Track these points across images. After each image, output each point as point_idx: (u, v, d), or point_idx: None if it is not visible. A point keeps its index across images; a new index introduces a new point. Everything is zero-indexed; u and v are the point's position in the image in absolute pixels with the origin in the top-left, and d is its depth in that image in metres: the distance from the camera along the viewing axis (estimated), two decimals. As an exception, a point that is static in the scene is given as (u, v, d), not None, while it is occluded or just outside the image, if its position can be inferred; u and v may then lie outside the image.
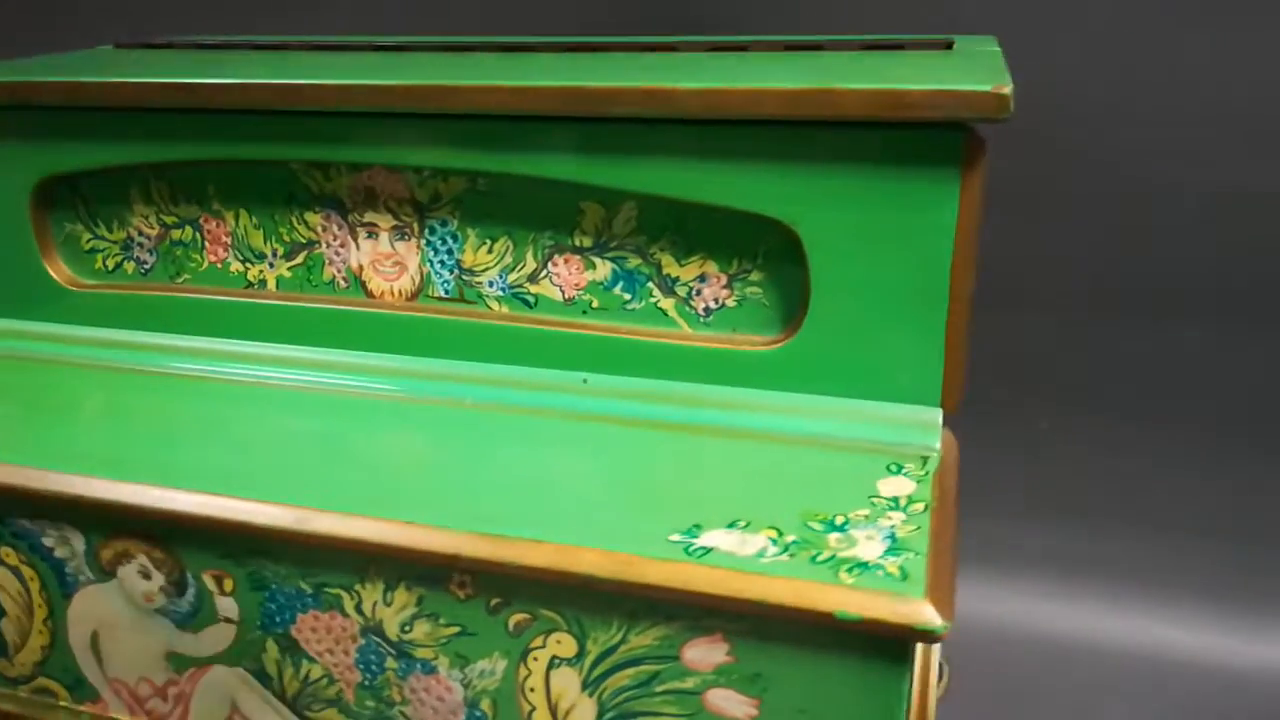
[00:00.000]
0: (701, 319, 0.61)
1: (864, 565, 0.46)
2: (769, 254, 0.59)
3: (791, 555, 0.47)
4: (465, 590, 0.51)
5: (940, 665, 0.92)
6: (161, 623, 0.59)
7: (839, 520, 0.50)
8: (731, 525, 0.49)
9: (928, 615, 0.43)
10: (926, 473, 0.54)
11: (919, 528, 0.49)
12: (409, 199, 0.63)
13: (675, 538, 0.49)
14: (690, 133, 0.55)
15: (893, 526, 0.49)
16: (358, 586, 0.53)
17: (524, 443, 0.59)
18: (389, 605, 0.53)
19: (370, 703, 0.56)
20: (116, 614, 0.59)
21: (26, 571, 0.60)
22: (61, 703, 0.63)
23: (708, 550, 0.48)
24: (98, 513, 0.57)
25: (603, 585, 0.47)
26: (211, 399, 0.65)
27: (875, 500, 0.51)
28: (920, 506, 0.50)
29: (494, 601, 0.51)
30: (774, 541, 0.48)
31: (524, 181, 0.60)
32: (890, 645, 0.45)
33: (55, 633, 0.62)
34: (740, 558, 0.47)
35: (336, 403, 0.64)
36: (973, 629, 1.36)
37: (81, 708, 0.63)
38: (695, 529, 0.49)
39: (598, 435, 0.59)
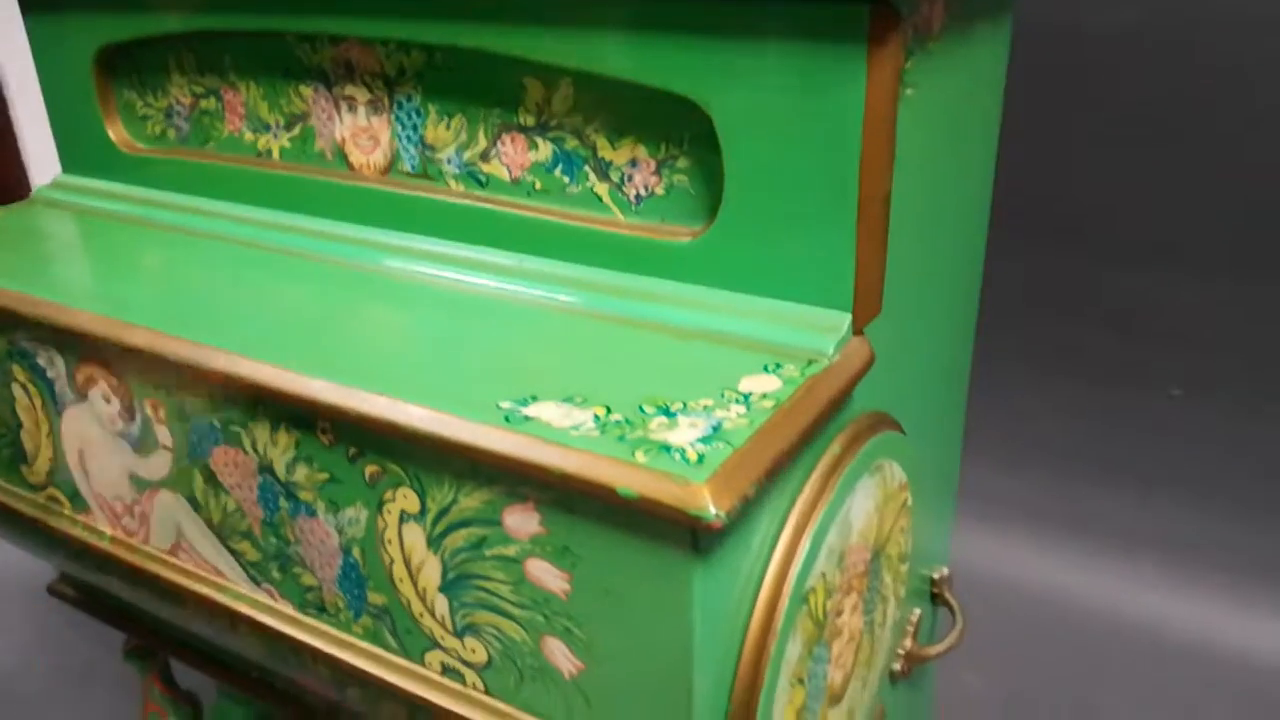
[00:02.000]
0: (633, 206, 0.60)
1: (666, 448, 0.44)
2: (694, 140, 0.56)
3: (603, 431, 0.46)
4: (328, 437, 0.53)
5: (951, 606, 0.87)
6: (122, 445, 0.65)
7: (674, 407, 0.48)
8: (567, 400, 0.49)
9: (701, 500, 0.41)
10: (801, 375, 0.50)
11: (751, 423, 0.46)
12: (380, 73, 0.65)
13: (506, 405, 0.48)
14: (607, 3, 0.54)
15: (724, 419, 0.46)
16: (251, 424, 0.57)
17: (431, 312, 0.60)
18: (276, 446, 0.56)
19: (273, 539, 0.60)
20: (92, 435, 0.66)
21: (31, 389, 0.68)
22: (65, 512, 0.72)
23: (527, 419, 0.47)
24: (69, 338, 0.63)
25: (426, 441, 0.48)
26: (206, 255, 0.71)
27: (728, 393, 0.49)
28: (769, 404, 0.48)
29: (351, 451, 0.53)
30: (597, 419, 0.47)
31: (473, 57, 0.61)
32: (675, 531, 0.43)
33: (56, 447, 0.69)
34: (553, 428, 0.46)
35: (305, 267, 0.68)
36: (1002, 583, 1.29)
37: (79, 518, 0.71)
38: (529, 399, 0.49)
39: (505, 313, 0.59)
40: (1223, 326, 1.19)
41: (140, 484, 0.65)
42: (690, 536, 0.43)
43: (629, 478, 0.43)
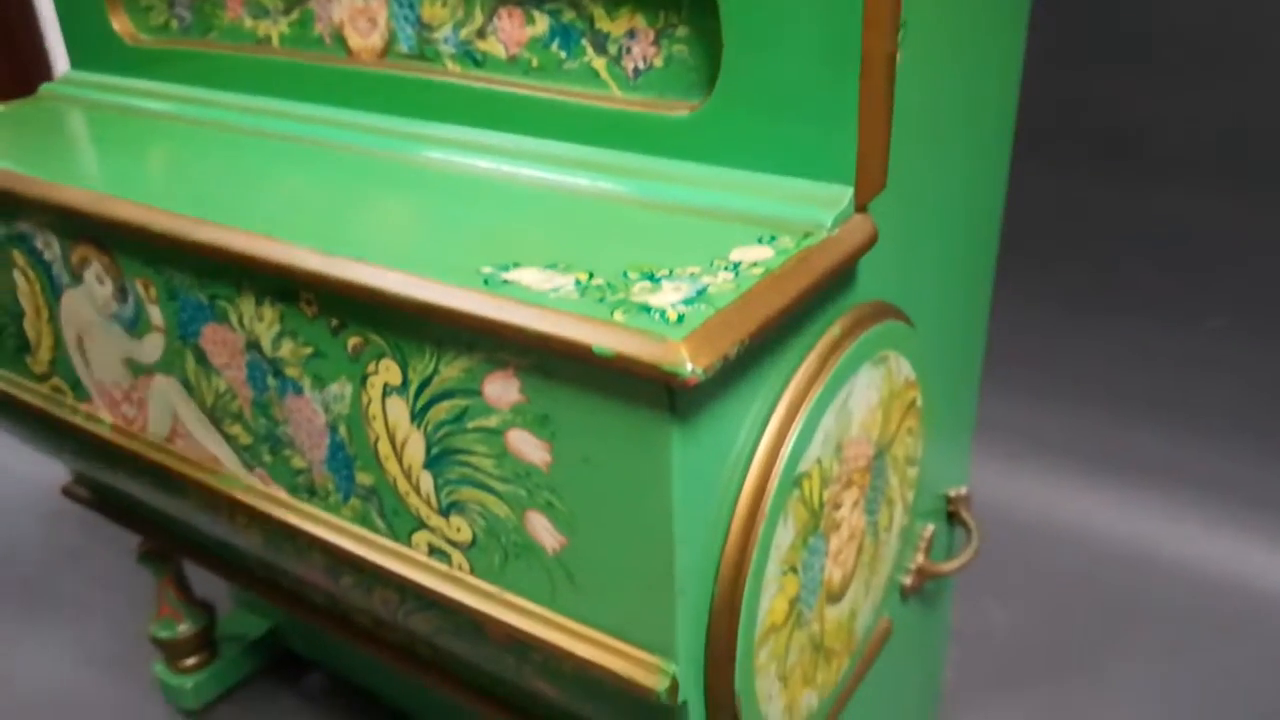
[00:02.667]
0: (631, 81, 0.57)
1: (646, 309, 0.42)
2: (693, 5, 0.53)
3: (583, 294, 0.44)
4: (311, 309, 0.52)
5: (968, 525, 0.84)
6: (116, 329, 0.64)
7: (660, 273, 0.46)
8: (549, 266, 0.47)
9: (677, 357, 0.39)
10: (796, 246, 0.48)
11: (738, 288, 0.44)
12: (376, -51, 0.63)
13: (486, 270, 0.47)
14: None
15: (710, 284, 0.44)
16: (237, 299, 0.56)
17: (424, 193, 0.58)
18: (261, 321, 0.55)
19: (262, 420, 0.59)
20: (88, 319, 0.66)
21: (30, 274, 0.68)
22: (68, 401, 0.72)
23: (506, 283, 0.45)
24: (63, 217, 0.62)
25: (405, 306, 0.47)
26: (205, 143, 0.70)
27: (717, 262, 0.47)
28: (759, 271, 0.45)
29: (334, 322, 0.52)
30: (578, 283, 0.45)
31: (468, -74, 0.58)
32: (652, 392, 0.41)
33: (56, 334, 0.69)
34: (531, 291, 0.45)
35: (302, 153, 0.66)
36: (1031, 519, 1.26)
37: (80, 407, 0.71)
38: (510, 266, 0.47)
39: (499, 193, 0.57)
40: (1268, 255, 1.14)
41: (136, 368, 0.65)
42: (667, 396, 0.41)
43: (605, 336, 0.41)
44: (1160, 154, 1.15)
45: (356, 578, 0.62)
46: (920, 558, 0.78)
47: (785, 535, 0.51)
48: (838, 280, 0.51)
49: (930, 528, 0.79)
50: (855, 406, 0.55)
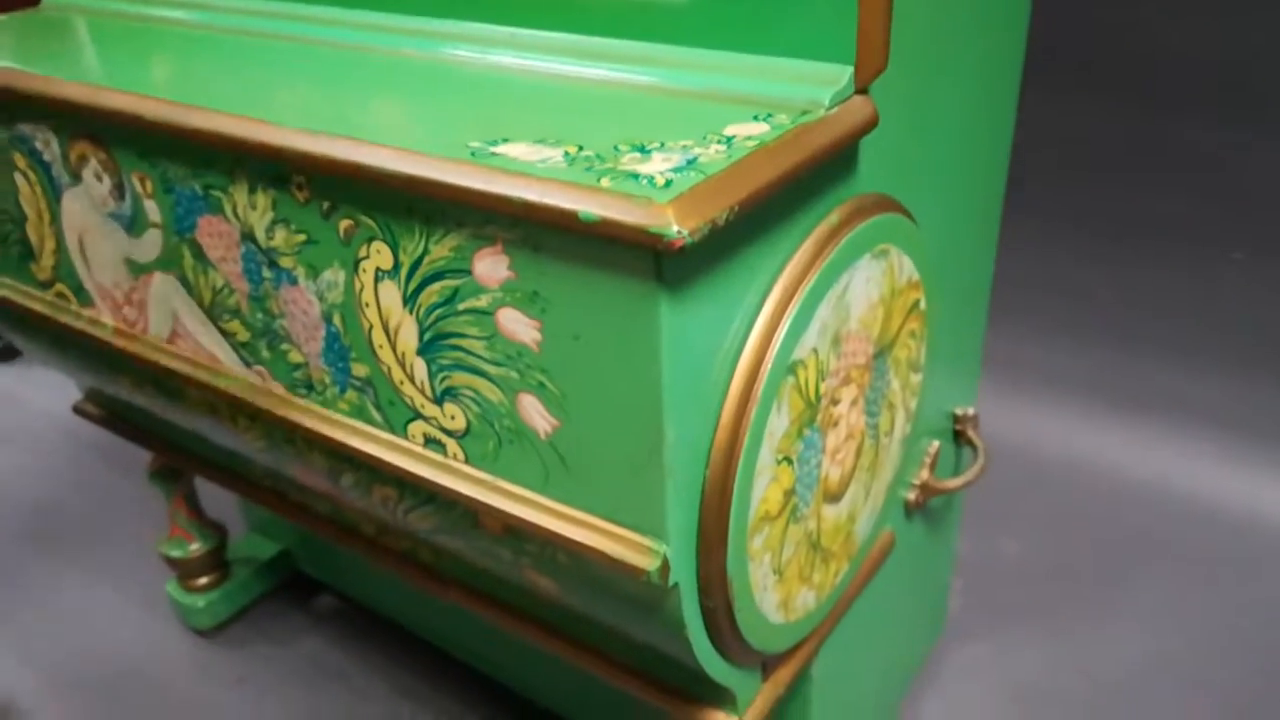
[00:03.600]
0: (629, -32, 0.56)
1: (635, 176, 0.42)
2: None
3: (571, 165, 0.43)
4: (303, 193, 0.52)
5: (976, 449, 0.84)
6: (115, 227, 0.64)
7: (651, 145, 0.45)
8: (538, 141, 0.46)
9: (664, 219, 0.39)
10: (792, 123, 0.47)
11: (730, 158, 0.43)
12: None
13: (475, 144, 0.46)
14: None
15: (701, 154, 0.44)
16: (231, 188, 0.55)
17: (418, 82, 0.58)
18: (255, 210, 0.55)
19: (259, 315, 0.59)
20: (88, 219, 0.66)
21: (31, 176, 0.68)
22: (71, 307, 0.72)
23: (493, 156, 0.45)
24: (60, 113, 0.62)
25: (393, 181, 0.46)
26: (202, 44, 0.69)
27: (710, 136, 0.46)
28: (752, 144, 0.45)
29: (325, 205, 0.51)
30: (566, 155, 0.44)
31: None
32: (639, 259, 0.41)
33: (58, 237, 0.69)
34: (518, 162, 0.44)
35: (294, 50, 0.66)
36: (1046, 454, 1.26)
37: (84, 312, 0.71)
38: (500, 141, 0.46)
39: (492, 81, 0.57)
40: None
41: (135, 268, 0.65)
42: (654, 263, 0.41)
43: (591, 202, 0.40)
44: (1179, 84, 1.12)
45: (355, 475, 0.62)
46: (925, 473, 0.78)
47: (779, 423, 0.51)
48: (835, 163, 0.50)
49: (936, 444, 0.79)
50: (854, 300, 0.54)
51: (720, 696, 0.59)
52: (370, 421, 0.57)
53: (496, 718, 0.94)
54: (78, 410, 0.94)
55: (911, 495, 0.77)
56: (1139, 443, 1.24)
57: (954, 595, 1.03)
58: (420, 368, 0.52)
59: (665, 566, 0.48)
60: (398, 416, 0.55)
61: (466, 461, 0.53)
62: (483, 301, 0.47)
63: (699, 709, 0.60)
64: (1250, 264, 1.16)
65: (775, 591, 0.56)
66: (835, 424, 0.57)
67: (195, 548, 1.00)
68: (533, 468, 0.50)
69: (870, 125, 0.50)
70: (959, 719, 0.93)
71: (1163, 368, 1.25)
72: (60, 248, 0.70)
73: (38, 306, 0.74)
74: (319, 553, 1.05)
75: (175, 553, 1.00)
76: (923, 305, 0.64)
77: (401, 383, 0.54)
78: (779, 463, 0.52)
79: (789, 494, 0.54)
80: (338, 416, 0.58)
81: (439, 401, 0.53)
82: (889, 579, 0.77)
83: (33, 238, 0.71)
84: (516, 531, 0.54)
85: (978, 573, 1.08)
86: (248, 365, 0.62)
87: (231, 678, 1.00)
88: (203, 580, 1.02)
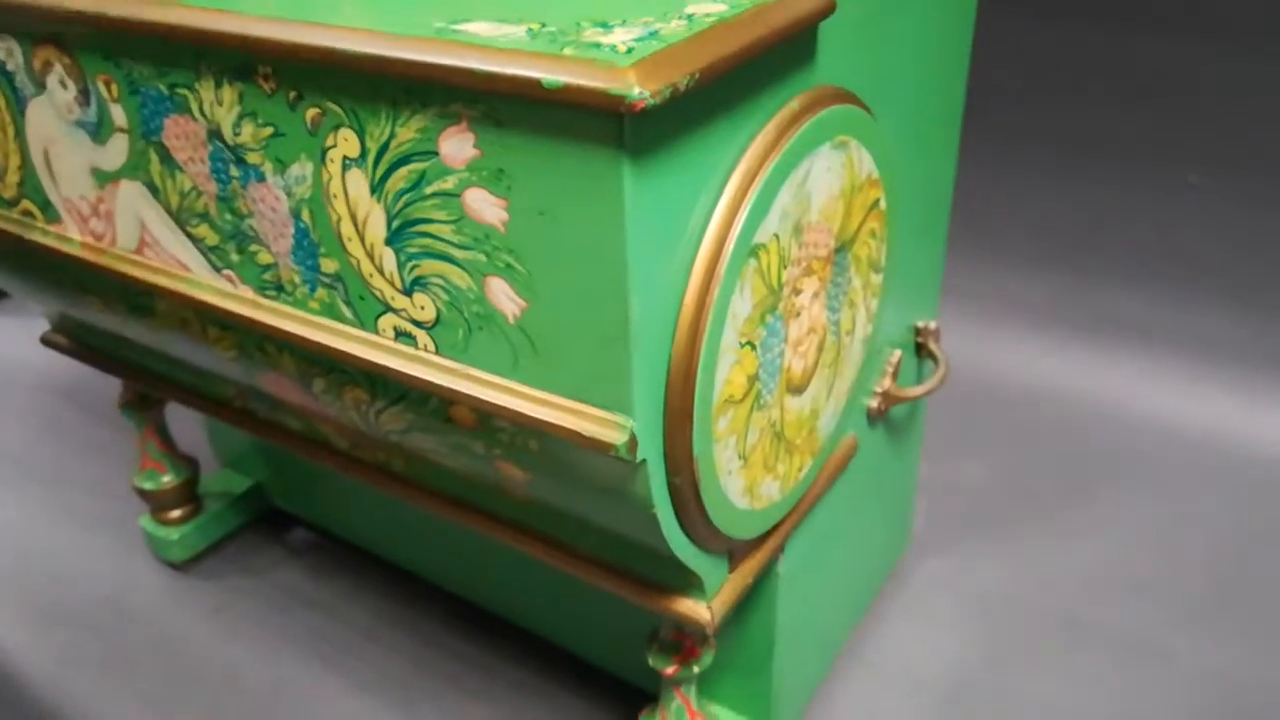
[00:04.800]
0: None
1: (597, 46, 0.43)
2: None
3: (533, 39, 0.44)
4: (269, 84, 0.52)
5: (936, 357, 0.86)
6: (81, 136, 0.64)
7: (613, 21, 0.46)
8: (500, 20, 0.47)
9: (625, 81, 0.40)
10: (751, 3, 0.48)
11: (691, 30, 0.44)
12: None
13: (438, 24, 0.47)
14: None
15: (661, 28, 0.45)
16: (197, 85, 0.56)
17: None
18: (221, 105, 0.55)
19: (228, 216, 0.59)
20: (54, 129, 0.66)
21: (-7, 88, 0.68)
22: (38, 224, 0.72)
23: (456, 33, 0.46)
24: (21, 19, 0.62)
25: (357, 63, 0.47)
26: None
27: (671, 13, 0.47)
28: (712, 19, 0.46)
29: (292, 95, 0.52)
30: (529, 30, 0.45)
31: None
32: (602, 126, 0.42)
33: (24, 151, 0.69)
34: (481, 38, 0.45)
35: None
36: (1008, 381, 1.29)
37: (50, 228, 0.71)
38: (462, 19, 0.47)
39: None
40: (1248, 108, 1.14)
41: (101, 177, 0.65)
42: (617, 129, 0.42)
43: (554, 69, 0.41)
44: (1136, 3, 1.14)
45: (327, 379, 0.63)
46: (887, 381, 0.80)
47: (742, 306, 0.52)
48: (795, 46, 0.52)
49: (898, 353, 0.80)
50: (815, 189, 0.56)
51: (689, 585, 0.61)
52: (341, 319, 0.58)
53: (472, 637, 0.96)
54: (45, 342, 0.94)
55: (874, 403, 0.79)
56: (1096, 365, 1.28)
57: (919, 515, 1.05)
58: (389, 258, 0.53)
59: (633, 441, 0.49)
60: (368, 311, 0.56)
61: (437, 352, 0.54)
62: (449, 183, 0.48)
63: (669, 598, 0.62)
64: (1206, 187, 1.19)
65: (740, 476, 0.58)
66: (797, 315, 0.58)
67: (167, 480, 1.01)
68: (502, 353, 0.52)
69: (828, 10, 0.51)
70: (925, 625, 0.95)
71: (1120, 291, 1.28)
72: (25, 163, 0.69)
73: (3, 225, 0.74)
74: (292, 486, 1.05)
75: (148, 485, 1.00)
76: (882, 205, 0.65)
77: (371, 275, 0.54)
78: (742, 346, 0.53)
79: (752, 379, 0.55)
80: (308, 316, 0.59)
81: (408, 292, 0.53)
82: (853, 484, 0.79)
83: (-4, 154, 0.71)
84: (488, 420, 0.55)
85: (941, 494, 1.11)
86: (217, 271, 0.63)
87: (207, 608, 1.01)
88: (175, 513, 1.03)
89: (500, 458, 0.58)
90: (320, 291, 0.58)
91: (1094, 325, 1.29)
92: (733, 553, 0.63)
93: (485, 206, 0.48)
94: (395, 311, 0.55)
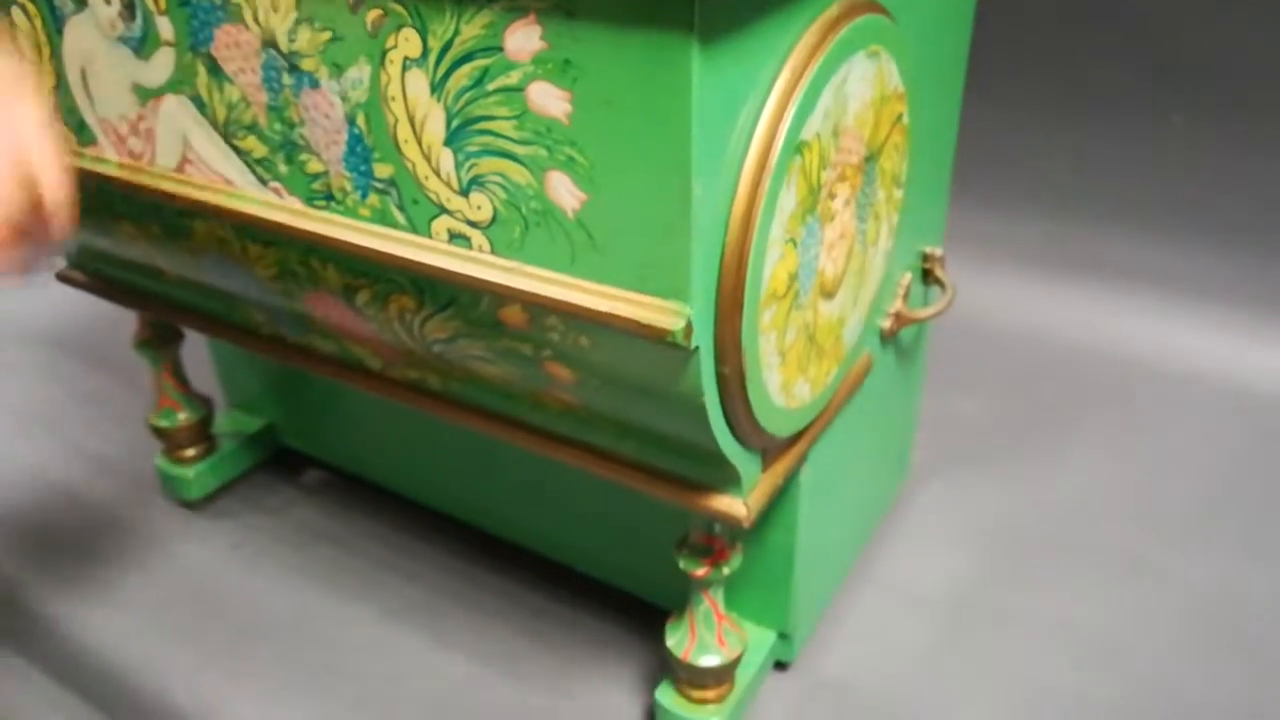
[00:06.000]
0: None
1: (666, -65, 0.45)
2: None
3: (603, -69, 0.46)
4: (330, -14, 0.54)
5: (943, 283, 0.89)
6: (123, 52, 0.65)
7: (674, -82, 0.48)
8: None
9: (700, -37, 0.42)
10: (801, -96, 0.50)
11: (750, -76, 0.46)
12: None
13: (505, -78, 0.49)
14: None
15: (723, -78, 0.47)
16: (252, -8, 0.57)
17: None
18: (276, 12, 0.57)
19: (278, 126, 0.61)
20: (94, 47, 0.66)
21: (30, 8, 0.68)
22: (72, 147, 0.73)
23: (527, -73, 0.47)
24: (64, -66, 0.63)
25: (427, -41, 0.49)
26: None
27: (727, -86, 0.49)
28: (768, -84, 0.48)
29: (353, -2, 0.53)
30: (596, -74, 0.47)
31: None
32: (673, 12, 0.44)
33: (59, 73, 0.70)
34: (553, -69, 0.47)
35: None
36: (998, 324, 1.33)
37: (86, 150, 0.72)
38: (529, -82, 0.49)
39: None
40: (1230, 48, 1.18)
41: (144, 94, 0.66)
42: (688, 13, 0.44)
43: (629, -46, 0.43)
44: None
45: (373, 289, 0.65)
46: (899, 303, 0.83)
47: (788, 201, 0.54)
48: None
49: (908, 275, 0.84)
50: (851, 94, 0.58)
51: (726, 482, 0.64)
52: (393, 224, 0.59)
53: (488, 564, 0.98)
54: (61, 278, 0.94)
55: (887, 323, 0.82)
56: (1082, 305, 1.32)
57: (917, 448, 1.09)
58: (447, 158, 0.55)
59: (689, 327, 0.51)
60: (421, 215, 0.58)
61: (492, 252, 0.56)
62: (513, 78, 0.50)
63: (706, 496, 0.65)
64: (1190, 128, 1.23)
65: (779, 372, 0.60)
66: (832, 219, 0.61)
67: (183, 418, 1.02)
68: (559, 249, 0.54)
69: (868, -83, 0.54)
70: (927, 547, 0.99)
71: (1105, 233, 1.32)
72: (60, 84, 0.70)
73: (34, 150, 0.74)
74: (305, 425, 1.07)
75: (164, 423, 1.01)
76: (905, 119, 0.68)
77: (426, 178, 0.56)
78: (786, 242, 0.56)
79: (793, 277, 0.58)
80: (358, 224, 0.61)
81: (465, 192, 0.55)
82: (866, 403, 0.82)
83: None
84: (540, 319, 0.57)
85: (937, 428, 1.14)
86: (263, 184, 0.64)
87: (225, 544, 1.02)
88: (190, 451, 1.04)
89: (549, 358, 0.60)
90: (372, 198, 0.59)
91: (1076, 266, 1.33)
92: (765, 451, 0.66)
93: (549, 99, 0.50)
94: (450, 213, 0.57)
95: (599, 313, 0.53)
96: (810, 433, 0.70)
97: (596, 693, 0.86)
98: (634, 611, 0.92)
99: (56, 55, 0.69)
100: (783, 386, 0.61)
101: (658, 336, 0.52)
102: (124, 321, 1.39)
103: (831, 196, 0.60)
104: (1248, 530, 1.00)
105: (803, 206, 0.56)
